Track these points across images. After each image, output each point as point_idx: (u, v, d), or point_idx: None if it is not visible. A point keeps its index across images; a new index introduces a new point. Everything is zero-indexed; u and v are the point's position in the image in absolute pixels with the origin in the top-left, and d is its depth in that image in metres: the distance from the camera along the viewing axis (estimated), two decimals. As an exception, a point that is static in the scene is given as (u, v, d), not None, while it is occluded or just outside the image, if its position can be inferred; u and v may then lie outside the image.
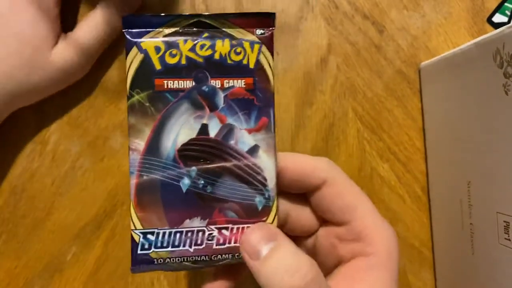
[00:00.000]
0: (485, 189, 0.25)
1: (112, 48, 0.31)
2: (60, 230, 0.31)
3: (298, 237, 0.24)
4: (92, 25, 0.29)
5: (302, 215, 0.24)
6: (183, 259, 0.21)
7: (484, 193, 0.26)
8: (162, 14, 0.21)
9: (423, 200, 0.33)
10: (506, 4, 0.33)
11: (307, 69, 0.33)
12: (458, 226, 0.28)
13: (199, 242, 0.21)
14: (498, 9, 0.33)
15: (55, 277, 0.31)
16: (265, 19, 0.21)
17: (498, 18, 0.33)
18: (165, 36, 0.21)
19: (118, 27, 0.29)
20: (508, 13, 0.33)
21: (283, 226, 0.23)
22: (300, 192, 0.23)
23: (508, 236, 0.23)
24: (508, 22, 0.33)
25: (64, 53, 0.28)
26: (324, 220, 0.24)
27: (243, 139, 0.21)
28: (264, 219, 0.21)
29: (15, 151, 0.31)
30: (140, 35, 0.20)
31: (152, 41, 0.20)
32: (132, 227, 0.20)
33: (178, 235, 0.21)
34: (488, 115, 0.25)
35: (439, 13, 0.33)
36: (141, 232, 0.20)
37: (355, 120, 0.33)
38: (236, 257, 0.21)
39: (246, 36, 0.21)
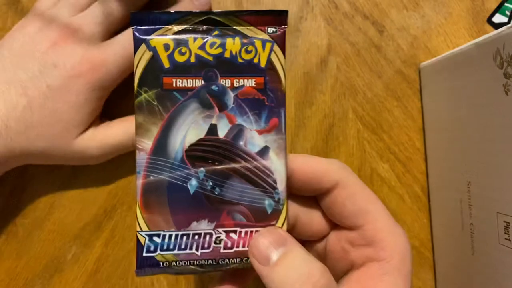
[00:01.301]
0: (485, 189, 0.25)
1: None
2: (60, 230, 0.31)
3: (307, 241, 0.24)
4: (124, 131, 0.29)
5: (312, 218, 0.23)
6: (190, 263, 0.20)
7: (484, 193, 0.26)
8: (171, 11, 0.20)
9: (423, 200, 0.33)
10: (506, 4, 0.33)
11: (307, 69, 0.33)
12: (458, 226, 0.28)
13: (206, 245, 0.20)
14: (498, 9, 0.33)
15: (55, 277, 0.31)
16: (277, 17, 0.20)
17: (498, 18, 0.33)
18: (174, 33, 0.20)
19: None
20: (508, 13, 0.33)
21: (292, 230, 0.23)
22: (310, 195, 0.23)
23: (508, 236, 0.23)
24: (508, 22, 0.33)
25: (87, 143, 0.28)
26: (335, 224, 0.23)
27: (253, 140, 0.20)
28: (273, 223, 0.21)
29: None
30: (149, 32, 0.20)
31: (161, 38, 0.20)
32: (138, 229, 0.20)
33: (184, 237, 0.20)
34: (488, 115, 0.25)
35: (439, 13, 0.33)
36: (146, 234, 0.20)
37: (355, 120, 0.33)
38: (244, 261, 0.20)
39: (257, 34, 0.20)
